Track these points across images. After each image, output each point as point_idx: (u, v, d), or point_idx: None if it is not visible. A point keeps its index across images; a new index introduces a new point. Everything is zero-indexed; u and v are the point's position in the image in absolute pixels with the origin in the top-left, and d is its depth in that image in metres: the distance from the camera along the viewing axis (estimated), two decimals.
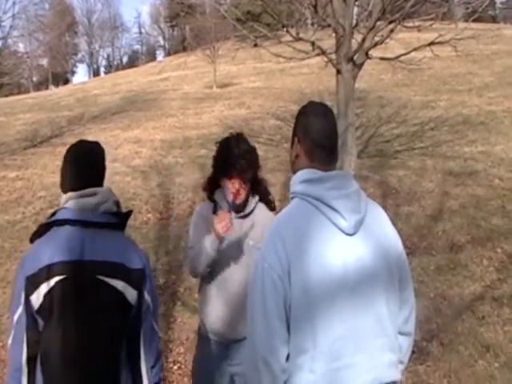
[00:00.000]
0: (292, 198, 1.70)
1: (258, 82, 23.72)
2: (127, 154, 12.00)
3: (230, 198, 2.45)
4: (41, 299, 1.75)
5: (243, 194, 2.49)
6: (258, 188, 2.62)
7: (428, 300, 4.76)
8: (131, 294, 1.86)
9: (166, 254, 6.37)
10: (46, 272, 1.74)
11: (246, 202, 2.56)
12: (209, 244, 2.34)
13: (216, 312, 2.53)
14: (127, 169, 10.56)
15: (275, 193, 8.69)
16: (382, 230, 1.68)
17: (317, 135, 1.67)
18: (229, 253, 2.49)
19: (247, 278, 2.51)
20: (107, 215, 1.88)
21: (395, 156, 10.09)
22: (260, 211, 2.61)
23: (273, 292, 1.53)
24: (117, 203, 1.95)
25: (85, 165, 1.94)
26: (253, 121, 15.08)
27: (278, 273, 1.52)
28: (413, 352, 3.94)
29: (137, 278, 1.88)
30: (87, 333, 1.79)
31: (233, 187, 2.44)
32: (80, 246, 1.79)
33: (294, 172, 1.74)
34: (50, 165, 11.73)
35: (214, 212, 2.53)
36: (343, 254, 1.56)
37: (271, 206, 2.69)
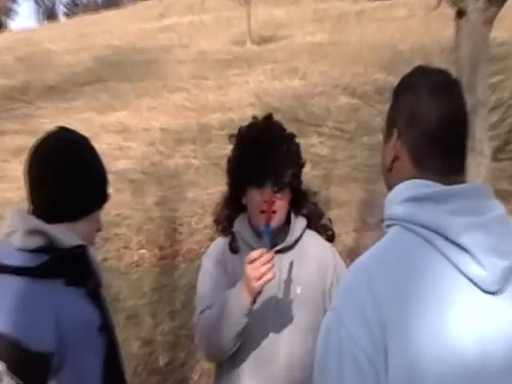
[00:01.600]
0: (388, 226, 1.66)
1: (319, 34, 23.96)
2: (106, 151, 12.02)
3: (261, 219, 2.42)
4: None
5: (282, 210, 2.54)
6: (302, 204, 2.68)
7: None
8: None
9: (171, 317, 6.41)
10: None
11: (286, 227, 2.61)
12: (236, 305, 2.32)
13: None
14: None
15: (349, 216, 8.78)
16: None
17: (433, 124, 1.64)
18: (266, 312, 2.51)
19: (307, 350, 2.52)
20: (10, 253, 1.97)
21: None
22: (310, 240, 2.68)
23: (356, 379, 1.48)
24: (42, 233, 2.00)
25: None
26: (311, 99, 15.21)
27: (366, 349, 1.48)
28: None
29: (36, 369, 1.87)
30: None
31: (265, 200, 2.45)
32: None
33: (390, 185, 1.71)
34: None
35: (232, 249, 2.62)
36: (480, 326, 1.50)
37: (327, 235, 2.76)
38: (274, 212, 2.45)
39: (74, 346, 1.92)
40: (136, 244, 8.25)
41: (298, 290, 2.53)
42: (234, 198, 2.65)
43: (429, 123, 1.63)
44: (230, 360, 2.56)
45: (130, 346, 5.81)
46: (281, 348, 2.52)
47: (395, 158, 1.70)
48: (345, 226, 8.15)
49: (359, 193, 8.47)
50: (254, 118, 2.72)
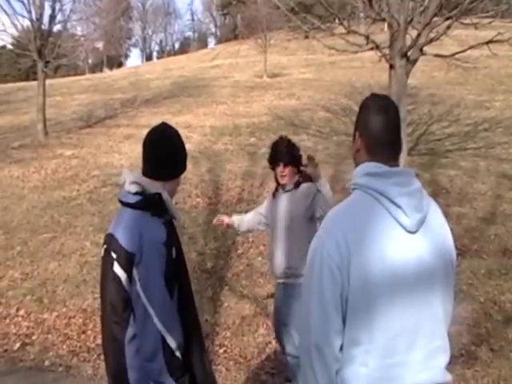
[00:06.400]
0: (353, 189, 1.68)
1: (308, 74, 23.57)
2: None
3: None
4: None
5: (288, 175, 3.37)
6: (300, 174, 3.47)
7: (477, 304, 4.62)
8: (122, 276, 1.92)
9: (215, 240, 6.46)
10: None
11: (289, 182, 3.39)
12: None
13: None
14: None
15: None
16: (441, 229, 1.67)
17: (376, 131, 1.64)
18: (280, 228, 3.41)
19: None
20: (124, 194, 2.07)
21: (446, 155, 9.79)
22: (303, 185, 3.39)
23: (330, 282, 1.52)
24: (138, 184, 2.06)
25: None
26: (302, 112, 15.01)
27: (337, 263, 1.51)
28: (461, 355, 3.86)
29: (127, 261, 1.93)
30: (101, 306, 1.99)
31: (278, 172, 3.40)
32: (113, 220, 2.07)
33: (356, 165, 1.72)
34: (103, 145, 11.92)
35: (273, 195, 3.63)
36: (403, 250, 1.54)
37: (310, 180, 3.35)
38: (285, 175, 3.33)
39: (147, 252, 1.97)
40: (194, 195, 8.23)
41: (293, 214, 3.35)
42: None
43: (374, 129, 1.65)
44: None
45: (191, 255, 5.87)
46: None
47: (357, 150, 1.72)
48: None
49: (330, 171, 8.38)
50: (281, 137, 3.50)
